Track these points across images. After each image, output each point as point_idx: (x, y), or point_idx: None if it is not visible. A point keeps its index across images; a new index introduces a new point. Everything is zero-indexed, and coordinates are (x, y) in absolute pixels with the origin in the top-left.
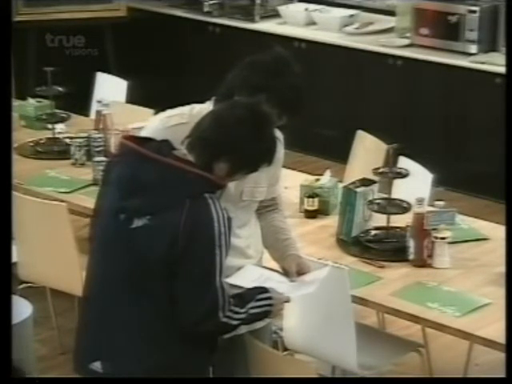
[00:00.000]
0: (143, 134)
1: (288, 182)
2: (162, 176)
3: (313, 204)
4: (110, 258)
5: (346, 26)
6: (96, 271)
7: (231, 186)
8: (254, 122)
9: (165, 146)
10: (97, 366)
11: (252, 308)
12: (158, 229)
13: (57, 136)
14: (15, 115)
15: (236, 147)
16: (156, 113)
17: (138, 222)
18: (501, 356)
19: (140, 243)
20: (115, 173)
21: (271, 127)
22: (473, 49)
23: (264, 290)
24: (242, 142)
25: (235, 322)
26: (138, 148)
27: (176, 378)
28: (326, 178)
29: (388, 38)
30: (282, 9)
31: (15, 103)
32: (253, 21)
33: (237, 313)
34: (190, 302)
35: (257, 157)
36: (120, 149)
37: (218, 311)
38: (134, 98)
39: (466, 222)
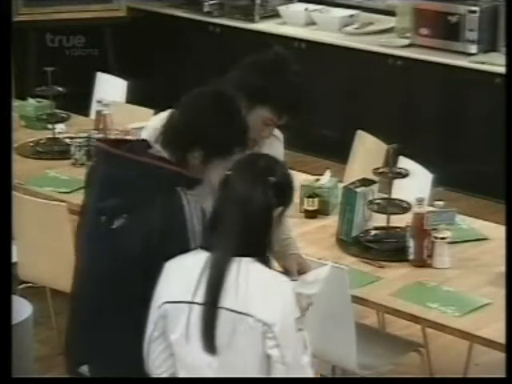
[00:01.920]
0: (143, 134)
1: None
2: (135, 175)
3: (313, 204)
4: (94, 259)
5: (346, 25)
6: (81, 272)
7: None
8: (220, 107)
9: (139, 145)
10: (84, 369)
11: None
12: (134, 227)
13: (57, 136)
14: (15, 115)
15: (206, 133)
16: (156, 113)
17: (117, 223)
18: (501, 356)
19: (119, 243)
20: (95, 175)
21: (239, 109)
22: (473, 49)
23: None
24: (212, 128)
25: None
26: (110, 149)
27: (175, 378)
28: (326, 178)
29: (388, 37)
30: (282, 9)
31: (15, 103)
32: (253, 21)
33: None
34: None
35: (228, 140)
36: (95, 152)
37: None
38: (134, 98)
39: (466, 222)
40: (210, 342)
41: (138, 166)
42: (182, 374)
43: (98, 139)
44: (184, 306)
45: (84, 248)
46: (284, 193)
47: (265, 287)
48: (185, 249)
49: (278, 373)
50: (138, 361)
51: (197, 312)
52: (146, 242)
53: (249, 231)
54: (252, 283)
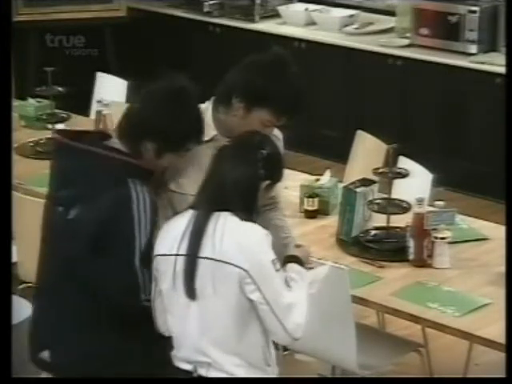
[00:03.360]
0: None
1: (288, 181)
2: (88, 165)
3: (313, 204)
4: (54, 249)
5: (346, 25)
6: (43, 262)
7: None
8: (174, 100)
9: (97, 136)
10: (45, 355)
11: None
12: (87, 217)
13: None
14: (15, 115)
15: (158, 126)
16: None
17: (72, 213)
18: (501, 356)
19: (74, 233)
20: (53, 167)
21: (194, 104)
22: (473, 49)
23: None
24: (163, 120)
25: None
26: (65, 141)
27: (171, 378)
28: (326, 178)
29: (388, 38)
30: (282, 9)
31: (15, 103)
32: (253, 21)
33: None
34: (110, 279)
35: (181, 134)
36: (54, 144)
37: (139, 291)
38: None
39: (466, 222)
40: (190, 288)
41: (91, 157)
42: (170, 322)
43: (58, 130)
44: (171, 258)
45: (45, 237)
46: (273, 167)
47: (238, 235)
48: (130, 239)
49: (264, 314)
50: (88, 346)
51: (181, 262)
52: (95, 231)
53: (232, 195)
54: (227, 232)
